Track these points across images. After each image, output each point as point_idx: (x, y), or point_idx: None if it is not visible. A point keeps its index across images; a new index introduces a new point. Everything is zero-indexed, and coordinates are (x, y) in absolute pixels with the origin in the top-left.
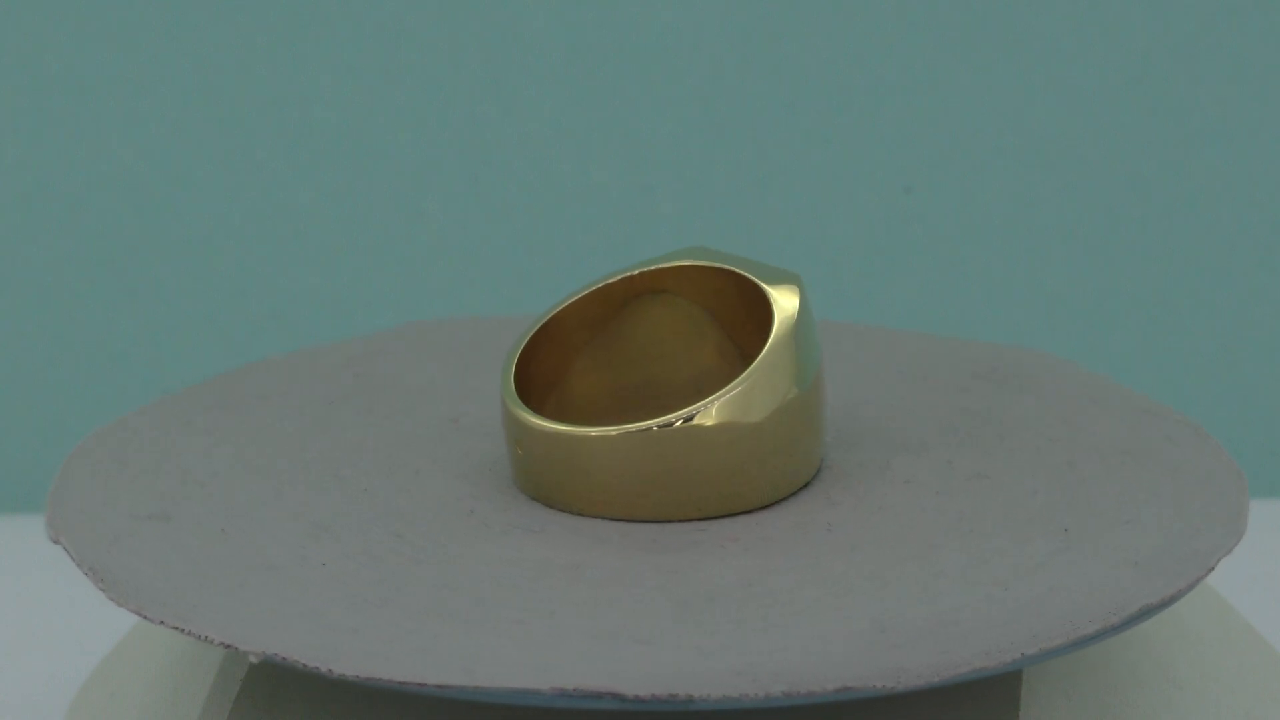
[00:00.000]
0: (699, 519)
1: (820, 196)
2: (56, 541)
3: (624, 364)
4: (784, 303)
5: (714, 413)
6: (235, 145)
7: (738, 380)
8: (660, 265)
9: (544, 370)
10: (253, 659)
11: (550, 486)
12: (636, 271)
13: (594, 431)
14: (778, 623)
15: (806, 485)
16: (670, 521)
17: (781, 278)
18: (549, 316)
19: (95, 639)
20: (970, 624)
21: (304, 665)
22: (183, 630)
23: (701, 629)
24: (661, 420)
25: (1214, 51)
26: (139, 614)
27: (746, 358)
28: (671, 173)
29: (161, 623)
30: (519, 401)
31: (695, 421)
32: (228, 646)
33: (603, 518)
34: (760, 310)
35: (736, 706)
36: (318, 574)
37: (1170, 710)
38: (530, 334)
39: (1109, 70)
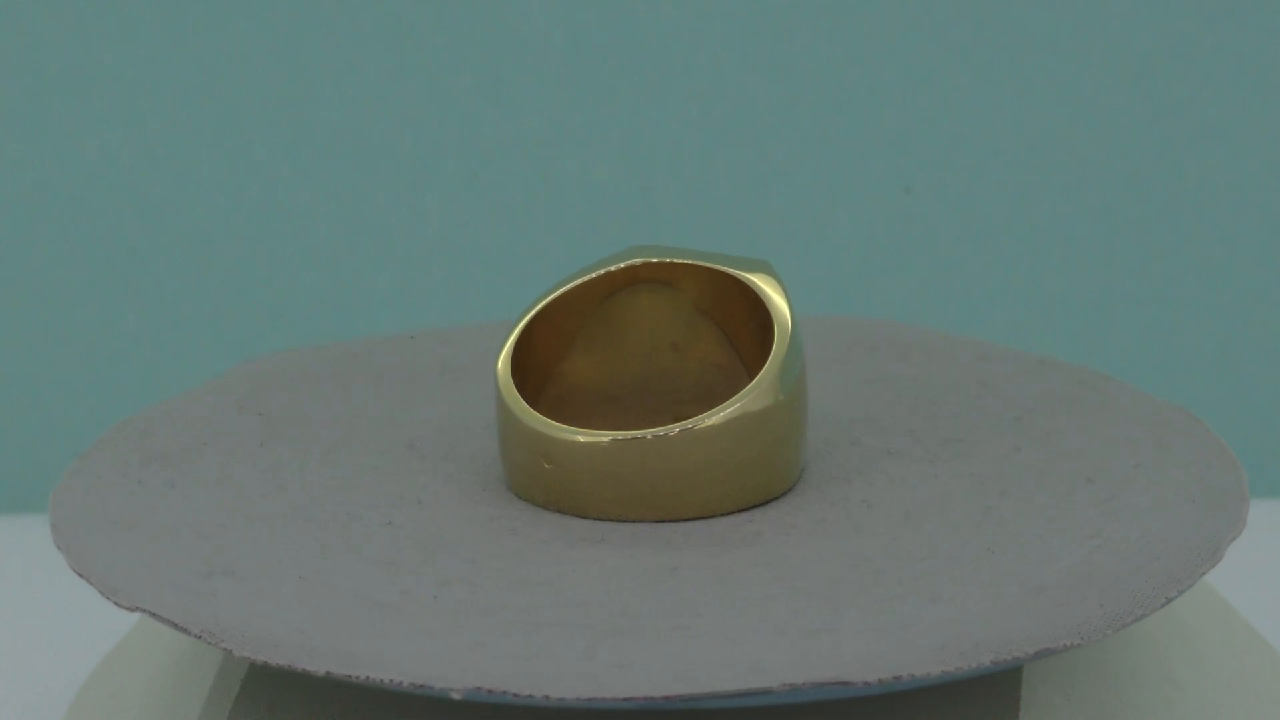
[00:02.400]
0: (733, 512)
1: (820, 196)
2: (136, 609)
3: (614, 359)
4: (779, 303)
5: (744, 407)
6: (235, 145)
7: (761, 377)
8: (615, 266)
9: (531, 370)
10: (455, 695)
11: (585, 496)
12: (621, 266)
13: (649, 434)
14: (933, 596)
15: (804, 468)
16: (707, 518)
17: (758, 268)
18: (526, 320)
19: (95, 639)
20: (1105, 577)
21: (515, 695)
22: (357, 678)
23: (865, 611)
24: (707, 416)
25: (1214, 51)
26: (294, 668)
27: (725, 333)
28: (672, 173)
29: (328, 673)
30: (546, 420)
31: (727, 417)
32: (420, 687)
33: (642, 520)
34: (736, 294)
35: (951, 680)
36: (439, 607)
37: (1170, 710)
38: (512, 339)
39: (1109, 70)
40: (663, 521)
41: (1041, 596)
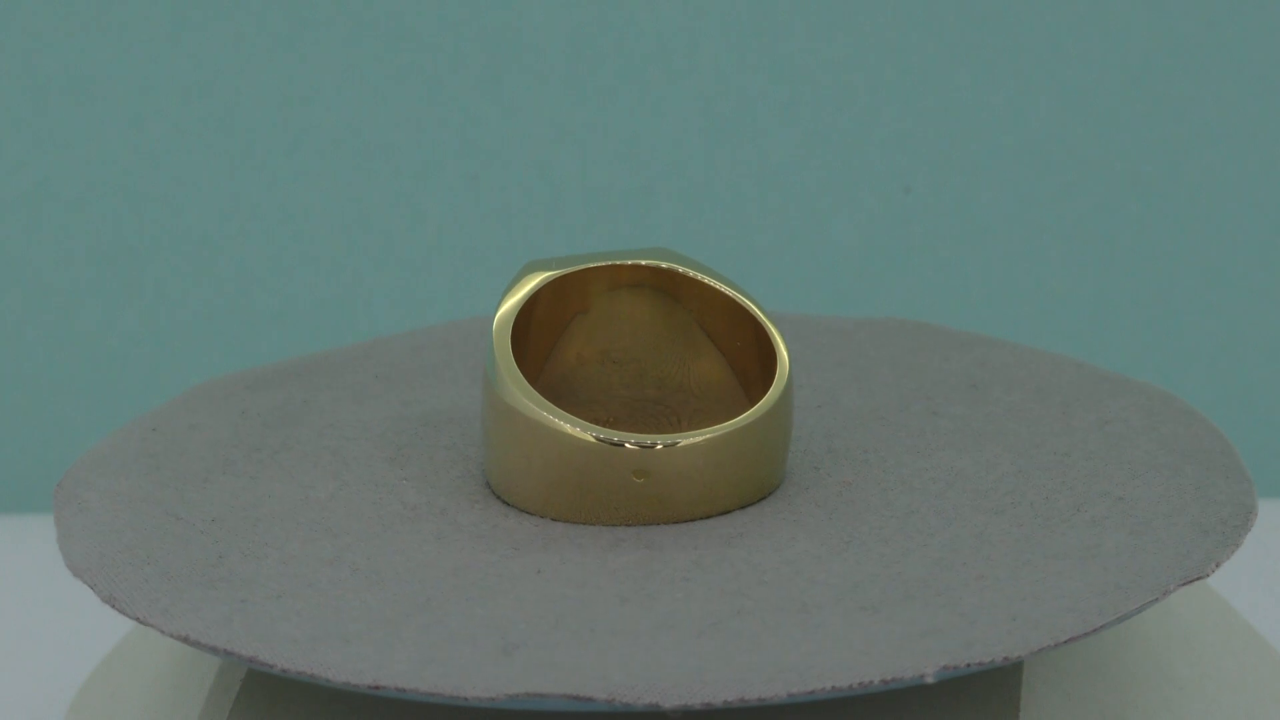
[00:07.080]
0: (753, 504)
1: (820, 196)
2: (439, 694)
3: (608, 357)
4: (773, 330)
5: (771, 405)
6: (235, 145)
7: (775, 385)
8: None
9: (526, 364)
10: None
11: (677, 501)
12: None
13: (715, 432)
14: (1122, 515)
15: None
16: (740, 509)
17: (662, 256)
18: (511, 320)
19: (95, 639)
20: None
21: (898, 680)
22: (733, 702)
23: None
24: (756, 410)
25: (1214, 51)
26: (659, 706)
27: (690, 309)
28: (672, 173)
29: (710, 704)
30: (632, 434)
31: (766, 414)
32: (808, 694)
33: (719, 514)
34: (729, 306)
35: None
36: (722, 629)
37: (1170, 710)
38: (506, 341)
39: (1109, 70)
40: (743, 508)
41: (1203, 535)
